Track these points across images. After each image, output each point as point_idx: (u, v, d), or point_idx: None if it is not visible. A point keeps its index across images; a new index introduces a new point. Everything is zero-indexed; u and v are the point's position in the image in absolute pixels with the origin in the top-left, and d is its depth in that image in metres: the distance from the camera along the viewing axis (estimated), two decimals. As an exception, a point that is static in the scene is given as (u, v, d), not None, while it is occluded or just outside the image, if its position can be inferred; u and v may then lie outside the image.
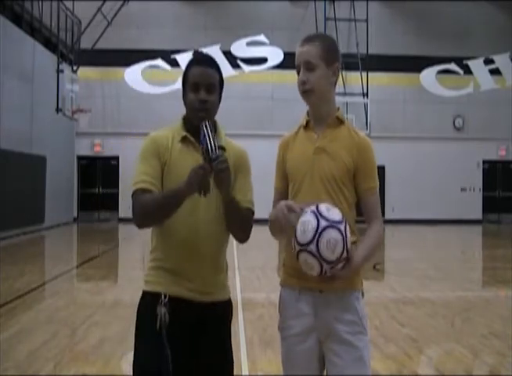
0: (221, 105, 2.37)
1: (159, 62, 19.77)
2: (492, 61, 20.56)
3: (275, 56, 19.85)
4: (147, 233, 2.32)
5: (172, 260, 2.27)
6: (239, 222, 2.30)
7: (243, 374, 4.37)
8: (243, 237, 2.34)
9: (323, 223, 2.03)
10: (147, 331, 2.23)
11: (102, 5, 19.62)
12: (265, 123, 21.84)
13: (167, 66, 19.58)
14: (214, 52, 17.63)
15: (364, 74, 21.71)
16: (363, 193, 2.30)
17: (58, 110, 17.47)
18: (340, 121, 2.35)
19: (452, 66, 20.95)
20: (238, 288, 7.83)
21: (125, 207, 20.60)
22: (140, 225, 2.25)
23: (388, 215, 21.17)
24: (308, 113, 2.39)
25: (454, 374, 4.51)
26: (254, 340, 5.33)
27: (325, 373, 2.29)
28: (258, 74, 20.92)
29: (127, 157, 20.54)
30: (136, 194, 2.25)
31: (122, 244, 15.95)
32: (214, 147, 2.06)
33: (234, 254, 10.47)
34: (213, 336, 2.29)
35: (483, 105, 22.44)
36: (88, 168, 22.31)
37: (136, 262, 11.88)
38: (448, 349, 5.32)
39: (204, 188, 2.06)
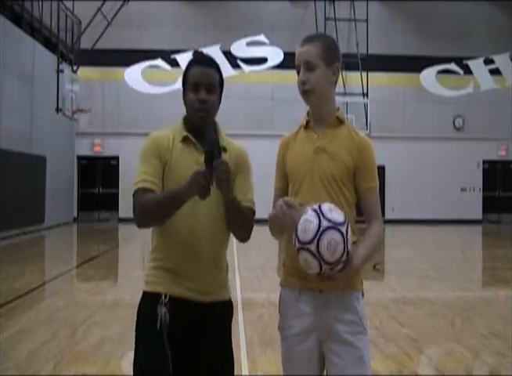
0: (221, 105, 2.37)
1: (159, 62, 19.77)
2: (492, 61, 20.55)
3: (275, 56, 19.85)
4: (147, 233, 2.33)
5: (172, 260, 2.27)
6: (240, 222, 2.30)
7: (243, 374, 4.37)
8: (244, 237, 2.35)
9: (325, 224, 2.03)
10: (148, 332, 2.23)
11: (102, 5, 19.62)
12: (265, 123, 21.85)
13: (167, 66, 19.58)
14: (214, 52, 17.63)
15: (364, 74, 21.72)
16: (363, 193, 2.30)
17: (58, 110, 17.48)
18: (340, 121, 2.35)
19: (452, 66, 20.95)
20: (238, 288, 7.83)
21: (125, 207, 20.61)
22: (140, 225, 2.25)
23: (388, 215, 21.17)
24: (308, 113, 2.39)
25: (454, 374, 4.51)
26: (254, 340, 5.33)
27: (325, 373, 2.29)
28: (258, 74, 20.92)
29: (127, 157, 20.55)
30: (137, 194, 2.25)
31: (122, 244, 15.95)
32: (217, 154, 2.06)
33: (234, 254, 10.47)
34: (213, 336, 2.29)
35: (483, 105, 22.44)
36: (88, 168, 22.31)
37: (136, 262, 11.88)
38: (448, 349, 5.32)
39: (204, 192, 2.06)
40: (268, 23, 22.04)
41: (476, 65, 20.64)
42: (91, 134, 21.53)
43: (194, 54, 2.42)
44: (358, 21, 22.10)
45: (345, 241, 2.04)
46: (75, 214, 21.72)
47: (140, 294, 2.35)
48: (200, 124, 2.30)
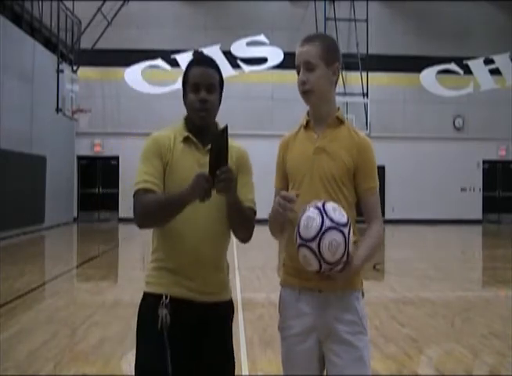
0: (221, 105, 2.37)
1: (159, 62, 19.76)
2: (492, 61, 20.54)
3: (275, 56, 19.83)
4: (147, 233, 2.33)
5: (173, 260, 2.27)
6: (242, 222, 2.30)
7: (243, 374, 4.37)
8: (245, 237, 2.35)
9: (328, 223, 2.03)
10: (149, 333, 2.23)
11: (102, 5, 19.62)
12: (265, 123, 21.85)
13: (167, 66, 19.57)
14: (214, 52, 17.62)
15: (364, 74, 21.72)
16: (363, 193, 2.30)
17: (58, 110, 17.48)
18: (341, 121, 2.35)
19: (452, 66, 20.93)
20: (238, 288, 7.83)
21: (125, 207, 20.61)
22: (141, 226, 2.25)
23: (388, 215, 21.17)
24: (308, 113, 2.39)
25: (454, 374, 4.51)
26: (254, 340, 5.33)
27: (325, 373, 2.29)
28: (258, 74, 20.92)
29: (127, 157, 20.55)
30: (138, 194, 2.24)
31: (122, 244, 15.95)
32: (223, 161, 2.05)
33: (234, 254, 10.47)
34: (215, 336, 2.29)
35: (483, 105, 22.44)
36: (88, 168, 22.31)
37: (136, 262, 11.89)
38: (448, 349, 5.32)
39: (206, 195, 2.06)
40: (268, 23, 22.04)
41: (476, 65, 20.63)
42: (91, 134, 21.53)
43: (194, 54, 2.43)
44: (358, 21, 22.10)
45: (346, 243, 2.04)
46: (75, 214, 21.72)
47: (140, 295, 2.35)
48: (201, 125, 2.31)
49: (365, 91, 21.74)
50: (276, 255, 11.58)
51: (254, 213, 2.36)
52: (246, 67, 19.84)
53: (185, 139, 2.31)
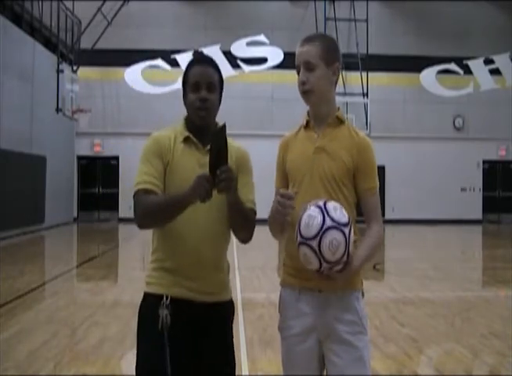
0: (221, 105, 2.37)
1: (159, 62, 19.76)
2: (492, 61, 20.54)
3: (275, 56, 19.83)
4: (147, 233, 2.33)
5: (174, 260, 2.27)
6: (242, 223, 2.30)
7: (243, 374, 4.37)
8: (245, 237, 2.35)
9: (329, 222, 2.03)
10: (149, 333, 2.23)
11: (102, 5, 19.62)
12: (265, 123, 21.85)
13: (167, 66, 19.57)
14: (214, 52, 17.62)
15: (364, 74, 21.72)
16: (363, 193, 2.30)
17: (58, 110, 17.48)
18: (341, 121, 2.35)
19: (452, 66, 20.93)
20: (238, 288, 7.83)
21: (125, 207, 20.61)
22: (141, 226, 2.25)
23: (388, 215, 21.17)
24: (308, 113, 2.39)
25: (454, 374, 4.51)
26: (254, 340, 5.33)
27: (325, 373, 2.29)
28: (258, 74, 20.92)
29: (127, 157, 20.56)
30: (138, 195, 2.24)
31: (122, 244, 15.95)
32: (223, 161, 2.05)
33: (234, 254, 10.47)
34: (215, 337, 2.29)
35: (483, 105, 22.45)
36: (88, 168, 22.31)
37: (136, 262, 11.89)
38: (448, 349, 5.32)
39: (206, 196, 2.06)
40: (268, 23, 22.04)
41: (476, 65, 20.63)
42: (91, 134, 21.53)
43: (194, 54, 2.43)
44: (358, 21, 22.10)
45: (347, 243, 2.04)
46: (75, 214, 21.72)
47: (140, 295, 2.35)
48: (201, 124, 2.31)
49: (365, 91, 21.74)
50: (276, 255, 11.58)
51: (255, 213, 2.35)
52: (246, 67, 19.84)
53: (186, 139, 2.31)
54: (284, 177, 2.38)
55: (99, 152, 22.20)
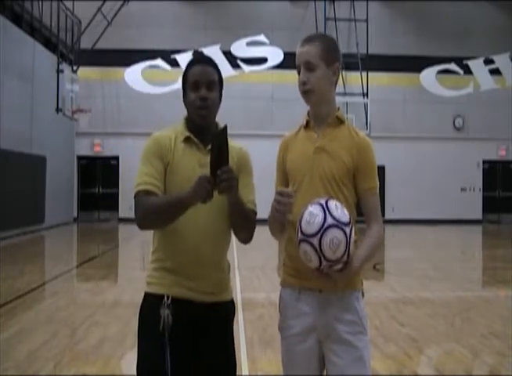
0: (221, 105, 2.37)
1: (159, 62, 19.75)
2: (492, 61, 20.54)
3: (275, 56, 19.83)
4: (147, 233, 2.33)
5: (174, 260, 2.27)
6: (243, 223, 2.30)
7: (243, 374, 4.37)
8: (246, 238, 2.35)
9: (330, 221, 2.03)
10: (150, 333, 2.23)
11: (102, 5, 19.62)
12: (265, 123, 21.85)
13: (167, 66, 19.56)
14: (214, 52, 17.62)
15: (364, 74, 21.72)
16: (363, 193, 2.30)
17: (58, 110, 17.48)
18: (341, 121, 2.35)
19: (452, 66, 20.93)
20: (238, 288, 7.83)
21: (125, 207, 20.61)
22: (142, 227, 2.25)
23: (388, 215, 21.17)
24: (308, 113, 2.39)
25: (454, 374, 4.51)
26: (254, 340, 5.33)
27: (325, 373, 2.29)
28: (258, 74, 20.92)
29: (127, 157, 20.57)
30: (139, 196, 2.24)
31: (122, 244, 15.95)
32: (224, 162, 2.05)
33: (234, 254, 10.46)
34: (216, 337, 2.29)
35: (483, 105, 22.45)
36: (88, 168, 22.31)
37: (136, 261, 11.89)
38: (448, 349, 5.32)
39: (207, 197, 2.05)
40: (268, 23, 22.04)
41: (476, 65, 20.63)
42: (91, 134, 21.53)
43: (194, 54, 2.43)
44: (358, 21, 22.10)
45: (348, 242, 2.04)
46: (75, 214, 21.72)
47: (140, 295, 2.35)
48: (201, 124, 2.31)
49: (365, 91, 21.74)
50: (276, 255, 11.58)
51: (255, 214, 2.36)
52: (246, 67, 19.84)
53: (186, 139, 2.31)
54: (284, 177, 2.38)
55: (99, 152, 22.20)
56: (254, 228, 2.35)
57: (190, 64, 2.35)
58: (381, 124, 21.81)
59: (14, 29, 15.63)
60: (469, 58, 20.79)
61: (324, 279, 2.12)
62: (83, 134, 21.35)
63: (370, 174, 2.30)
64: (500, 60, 20.49)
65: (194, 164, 2.27)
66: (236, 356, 2.38)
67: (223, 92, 2.39)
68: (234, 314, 2.42)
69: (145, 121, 20.54)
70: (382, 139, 20.34)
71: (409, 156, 22.47)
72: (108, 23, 19.89)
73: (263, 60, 20.05)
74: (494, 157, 23.24)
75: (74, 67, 19.74)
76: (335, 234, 2.02)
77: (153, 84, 19.94)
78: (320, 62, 2.27)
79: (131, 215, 2.30)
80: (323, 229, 2.01)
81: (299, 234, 2.07)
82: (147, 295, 2.31)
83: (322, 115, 2.34)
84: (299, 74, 2.30)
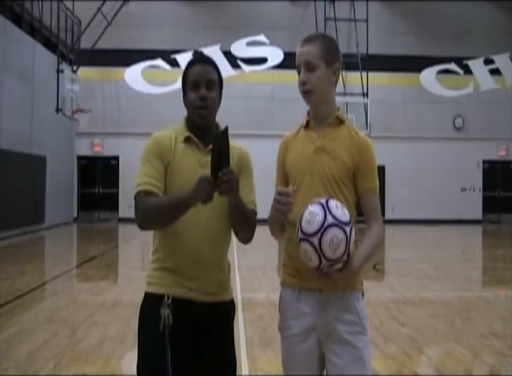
0: (221, 105, 2.37)
1: (159, 62, 19.76)
2: (492, 61, 20.54)
3: (275, 56, 19.83)
4: (147, 233, 2.33)
5: (174, 260, 2.27)
6: (244, 223, 2.30)
7: (243, 374, 4.37)
8: (246, 238, 2.35)
9: (330, 220, 2.03)
10: (151, 333, 2.23)
11: (102, 5, 19.62)
12: (265, 123, 21.85)
13: (167, 66, 19.57)
14: (214, 52, 17.62)
15: (364, 74, 21.72)
16: (363, 194, 2.30)
17: (58, 110, 17.48)
18: (341, 121, 2.35)
19: (452, 66, 20.93)
20: (238, 288, 7.83)
21: (125, 207, 20.61)
22: (143, 228, 2.25)
23: (388, 215, 21.17)
24: (308, 113, 2.39)
25: (454, 374, 4.51)
26: (254, 340, 5.33)
27: (325, 373, 2.29)
28: (258, 74, 20.92)
29: (127, 157, 20.57)
30: (139, 196, 2.23)
31: (122, 244, 15.95)
32: (224, 164, 2.05)
33: (234, 254, 10.46)
34: (216, 337, 2.29)
35: (483, 105, 22.45)
36: (88, 168, 22.31)
37: (136, 261, 11.90)
38: (448, 349, 5.32)
39: (208, 198, 2.05)
40: (268, 23, 22.04)
41: (476, 65, 20.63)
42: (91, 134, 21.53)
43: (194, 54, 2.43)
44: (358, 21, 22.10)
45: (348, 241, 2.04)
46: (75, 214, 21.72)
47: (140, 295, 2.35)
48: (201, 124, 2.31)
49: (365, 91, 21.74)
50: (276, 255, 11.58)
51: (255, 214, 2.36)
52: (246, 67, 19.84)
53: (187, 139, 2.31)
54: (284, 177, 2.38)
55: (99, 152, 22.20)
56: (255, 228, 2.35)
57: (190, 64, 2.35)
58: (381, 124, 21.81)
59: (14, 29, 15.63)
60: (469, 58, 20.79)
61: (324, 279, 2.12)
62: (83, 134, 21.35)
63: (370, 174, 2.30)
64: (500, 60, 20.49)
65: (195, 164, 2.27)
66: (236, 356, 2.38)
67: (223, 92, 2.39)
68: (234, 314, 2.42)
69: (145, 121, 20.54)
70: (382, 139, 20.34)
71: (409, 156, 22.47)
72: (108, 23, 19.89)
73: (263, 60, 20.05)
74: (494, 157, 23.24)
75: (74, 67, 19.74)
76: (335, 233, 2.02)
77: (153, 84, 19.94)
78: (320, 62, 2.27)
79: (131, 215, 2.30)
80: (323, 229, 2.01)
81: (299, 233, 2.07)
82: (147, 295, 2.31)
83: (322, 115, 2.34)
84: (299, 74, 2.30)
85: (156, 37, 21.63)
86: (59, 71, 17.74)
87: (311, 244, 2.03)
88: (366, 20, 22.03)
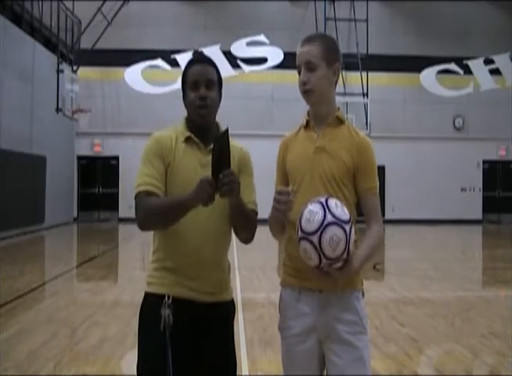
0: (221, 105, 2.37)
1: (159, 62, 19.75)
2: (492, 61, 20.53)
3: (275, 56, 19.83)
4: (147, 233, 2.32)
5: (175, 260, 2.27)
6: (244, 224, 2.30)
7: (243, 374, 4.37)
8: (247, 238, 2.36)
9: (330, 218, 2.03)
10: (151, 333, 2.23)
11: (102, 5, 19.62)
12: (265, 123, 21.85)
13: (167, 66, 19.56)
14: (214, 52, 17.61)
15: (364, 74, 21.72)
16: (363, 193, 2.30)
17: (58, 110, 17.48)
18: (341, 121, 2.35)
19: (452, 66, 20.93)
20: (238, 288, 7.83)
21: (125, 207, 20.61)
22: (143, 228, 2.25)
23: (388, 215, 21.17)
24: (308, 113, 2.39)
25: (454, 374, 4.51)
26: (254, 340, 5.33)
27: (325, 373, 2.29)
28: (258, 74, 20.92)
29: (127, 157, 20.57)
30: (140, 197, 2.23)
31: (122, 244, 15.95)
32: (225, 165, 2.05)
33: (234, 254, 10.46)
34: (216, 337, 2.29)
35: (483, 105, 22.45)
36: (88, 168, 22.31)
37: (136, 261, 11.89)
38: (448, 349, 5.32)
39: (209, 200, 2.05)
40: (268, 23, 22.04)
41: (476, 65, 20.62)
42: (91, 134, 21.53)
43: (194, 54, 2.44)
44: (358, 21, 22.10)
45: (347, 240, 2.04)
46: (75, 214, 21.72)
47: (140, 295, 2.35)
48: (201, 123, 2.31)
49: (365, 91, 21.74)
50: (276, 255, 11.58)
51: (256, 214, 2.36)
52: (246, 67, 19.83)
53: (187, 139, 2.31)
54: (284, 177, 2.38)
55: (99, 152, 22.20)
56: (255, 228, 2.35)
57: (189, 64, 2.35)
58: (381, 124, 21.81)
59: (14, 29, 15.63)
60: (469, 58, 20.79)
61: (324, 277, 2.12)
62: (83, 134, 21.35)
63: (370, 174, 2.30)
64: (500, 60, 20.49)
65: (195, 164, 2.27)
66: (236, 356, 2.38)
67: (223, 92, 2.39)
68: (234, 314, 2.42)
69: (145, 121, 20.54)
70: (382, 139, 20.34)
71: (409, 156, 22.47)
72: (108, 23, 19.89)
73: (263, 60, 20.05)
74: (494, 157, 23.24)
75: (74, 67, 19.74)
76: (335, 232, 2.02)
77: (153, 84, 19.93)
78: (321, 62, 2.27)
79: (131, 215, 2.30)
80: (323, 227, 2.01)
81: (299, 232, 2.07)
82: (148, 295, 2.31)
83: (322, 115, 2.34)
84: (299, 74, 2.30)
85: (156, 37, 21.63)
86: (59, 71, 17.74)
87: (311, 242, 2.03)
88: (366, 20, 22.03)
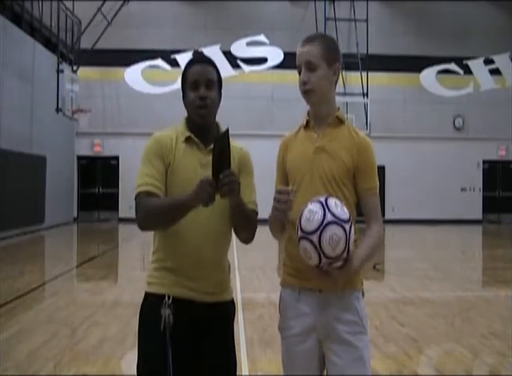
0: (221, 105, 2.37)
1: (159, 62, 19.75)
2: (492, 61, 20.53)
3: (275, 56, 19.83)
4: (147, 233, 2.32)
5: (175, 260, 2.27)
6: (245, 224, 2.30)
7: (243, 374, 4.37)
8: (247, 238, 2.35)
9: (329, 217, 2.03)
10: (151, 333, 2.23)
11: (102, 5, 19.62)
12: (265, 123, 21.85)
13: (167, 66, 19.56)
14: (214, 52, 17.61)
15: (364, 74, 21.72)
16: (363, 193, 2.30)
17: (58, 110, 17.48)
18: (341, 121, 2.35)
19: (452, 66, 20.93)
20: (238, 288, 7.83)
21: (125, 207, 20.61)
22: (143, 229, 2.25)
23: (388, 215, 21.17)
24: (308, 113, 2.39)
25: (454, 374, 4.51)
26: (254, 340, 5.33)
27: (325, 373, 2.29)
28: (258, 74, 20.92)
29: (127, 157, 20.57)
30: (140, 197, 2.23)
31: (122, 244, 15.95)
32: (226, 165, 2.05)
33: (234, 254, 10.46)
34: (216, 337, 2.29)
35: (483, 105, 22.45)
36: (88, 168, 22.31)
37: (136, 261, 11.89)
38: (448, 349, 5.32)
39: (209, 200, 2.05)
40: (268, 23, 22.04)
41: (476, 65, 20.62)
42: (91, 134, 21.53)
43: (194, 54, 2.44)
44: (358, 21, 22.10)
45: (347, 239, 2.04)
46: (75, 214, 21.72)
47: (140, 294, 2.35)
48: (201, 123, 2.31)
49: (365, 91, 21.74)
50: (276, 255, 11.58)
51: (256, 214, 2.36)
52: (246, 67, 19.83)
53: (187, 139, 2.31)
54: (284, 177, 2.38)
55: (99, 152, 22.20)
56: (256, 228, 2.35)
57: (189, 64, 2.35)
58: (381, 124, 21.82)
59: (14, 29, 15.63)
60: (469, 58, 20.78)
61: (324, 277, 2.12)
62: (83, 134, 21.35)
63: (370, 174, 2.30)
64: (500, 60, 20.49)
65: (195, 164, 2.27)
66: (236, 356, 2.38)
67: (223, 92, 2.39)
68: (234, 314, 2.42)
69: (145, 121, 20.54)
70: (382, 139, 20.34)
71: (409, 156, 22.47)
72: (108, 23, 19.89)
73: (263, 60, 20.04)
74: (494, 157, 23.24)
75: (74, 67, 19.74)
76: (334, 231, 2.02)
77: (153, 84, 19.93)
78: (321, 62, 2.27)
79: (131, 215, 2.30)
80: (323, 226, 2.02)
81: (299, 232, 2.07)
82: (148, 295, 2.31)
83: (322, 115, 2.34)
84: (300, 74, 2.30)
85: (156, 37, 21.63)
86: (59, 71, 17.74)
87: (311, 242, 2.03)
88: (366, 20, 22.03)
